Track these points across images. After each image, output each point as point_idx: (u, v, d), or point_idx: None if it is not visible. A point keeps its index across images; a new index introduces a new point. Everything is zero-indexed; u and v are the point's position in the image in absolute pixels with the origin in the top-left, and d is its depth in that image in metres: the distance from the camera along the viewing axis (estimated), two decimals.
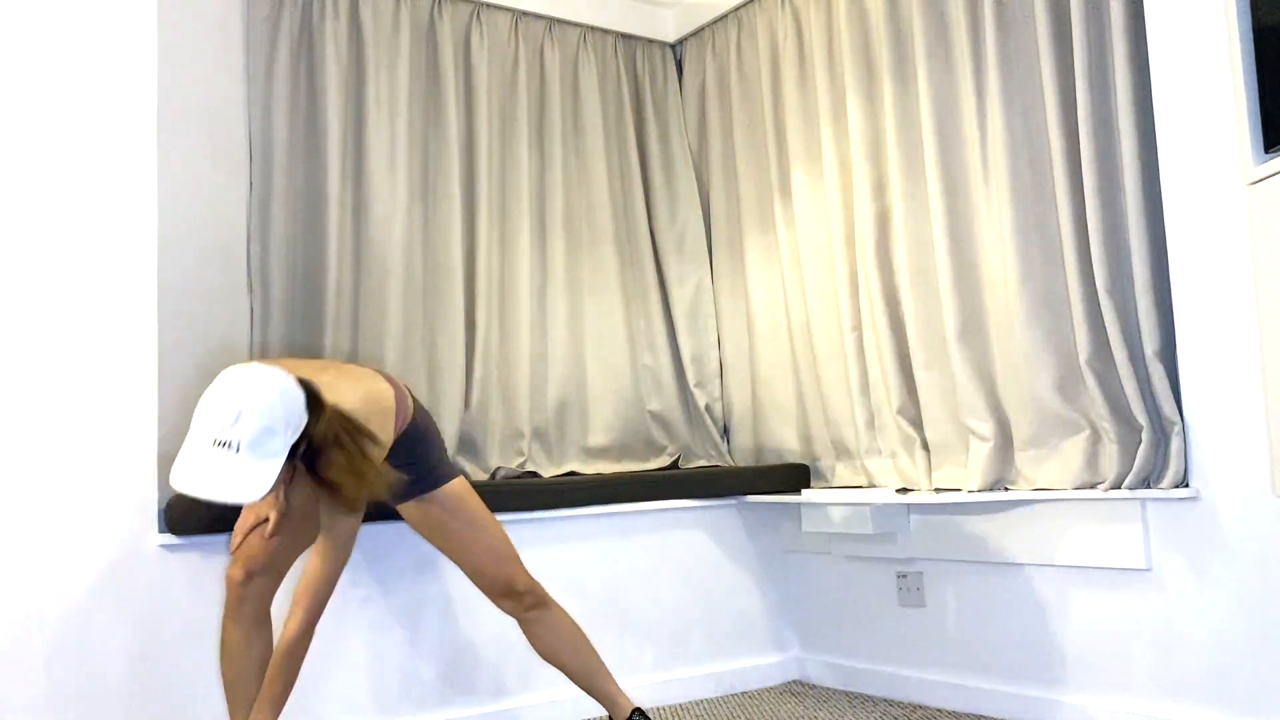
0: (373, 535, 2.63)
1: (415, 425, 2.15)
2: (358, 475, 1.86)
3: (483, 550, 2.24)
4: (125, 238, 2.42)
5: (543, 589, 2.30)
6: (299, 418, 1.78)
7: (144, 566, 2.35)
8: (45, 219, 2.35)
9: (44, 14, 2.38)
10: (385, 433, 2.01)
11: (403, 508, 2.23)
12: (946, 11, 2.82)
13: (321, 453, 1.83)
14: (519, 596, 2.26)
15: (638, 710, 2.32)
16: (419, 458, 2.16)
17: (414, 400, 2.20)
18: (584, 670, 2.32)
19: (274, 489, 1.82)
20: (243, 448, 1.70)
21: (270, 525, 2.16)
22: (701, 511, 3.17)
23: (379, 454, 1.96)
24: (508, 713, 2.75)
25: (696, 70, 3.74)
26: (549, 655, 2.32)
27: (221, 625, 2.21)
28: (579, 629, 2.34)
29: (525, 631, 2.32)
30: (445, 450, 2.28)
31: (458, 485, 2.25)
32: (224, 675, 2.19)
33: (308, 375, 1.89)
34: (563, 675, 2.44)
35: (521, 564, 2.28)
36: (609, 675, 2.34)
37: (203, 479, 1.69)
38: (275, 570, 2.21)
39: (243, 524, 2.20)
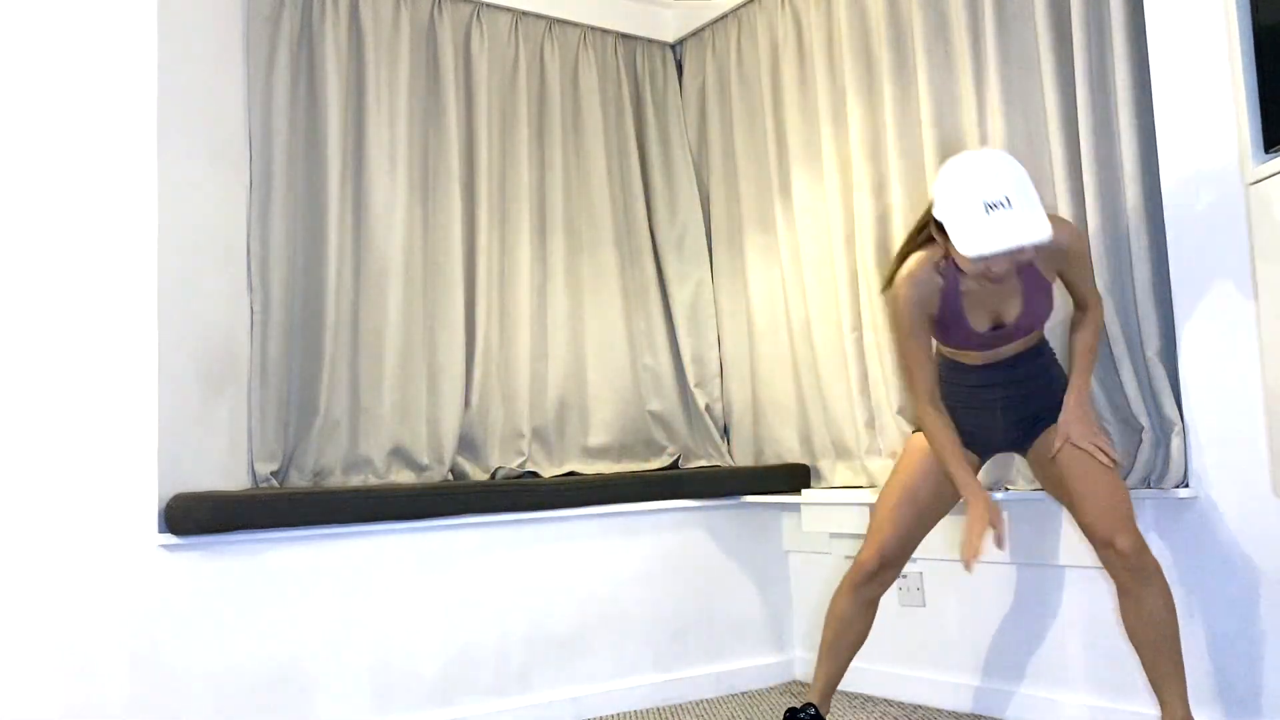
0: (373, 535, 2.63)
1: None
2: None
3: None
4: (125, 238, 2.42)
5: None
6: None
7: (144, 566, 2.35)
8: (45, 219, 2.35)
9: (44, 14, 2.38)
10: None
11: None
12: (946, 11, 2.82)
13: None
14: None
15: None
16: None
17: None
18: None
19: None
20: (1013, 200, 1.89)
21: (996, 536, 2.12)
22: (701, 511, 3.17)
23: None
24: (508, 713, 2.75)
25: (696, 70, 3.74)
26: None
27: (838, 591, 2.35)
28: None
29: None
30: None
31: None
32: (825, 636, 2.35)
33: None
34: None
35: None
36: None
37: (1000, 234, 1.88)
38: (902, 563, 2.31)
39: (972, 533, 2.10)
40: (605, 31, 3.65)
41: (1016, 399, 2.26)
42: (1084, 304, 2.23)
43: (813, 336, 3.22)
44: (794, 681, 3.22)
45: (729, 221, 3.60)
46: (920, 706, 2.85)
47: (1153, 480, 2.34)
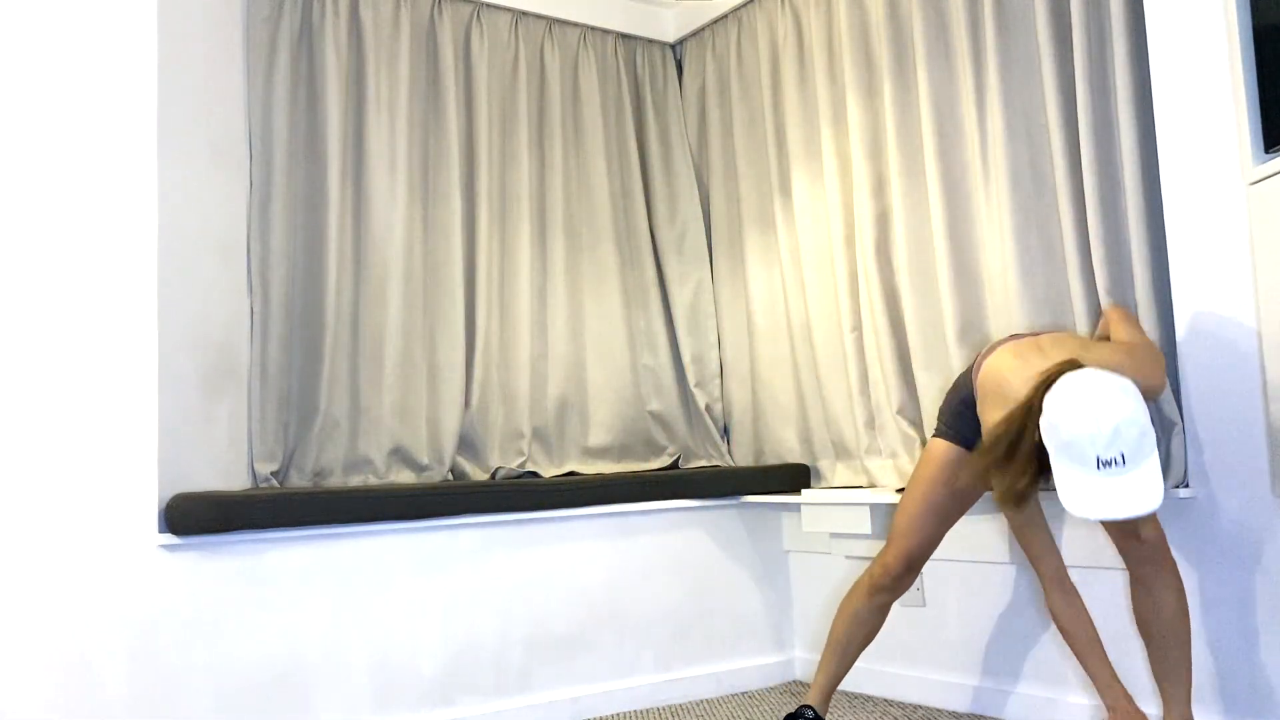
0: (373, 535, 2.63)
1: None
2: None
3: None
4: (125, 238, 2.42)
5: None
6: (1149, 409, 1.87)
7: (144, 566, 2.35)
8: (45, 219, 2.34)
9: (44, 14, 2.38)
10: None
11: None
12: (946, 11, 2.82)
13: None
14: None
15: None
16: None
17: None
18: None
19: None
20: (1128, 459, 1.74)
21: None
22: (701, 511, 3.17)
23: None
24: (508, 713, 2.75)
25: (696, 70, 3.74)
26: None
27: (854, 588, 2.37)
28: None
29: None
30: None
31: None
32: (835, 635, 2.37)
33: (1073, 353, 1.94)
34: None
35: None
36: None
37: (1109, 502, 1.74)
38: (922, 566, 2.32)
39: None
40: (605, 31, 3.66)
41: None
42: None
43: (813, 336, 3.22)
44: (794, 681, 3.22)
45: (729, 221, 3.60)
46: (920, 706, 2.85)
47: None
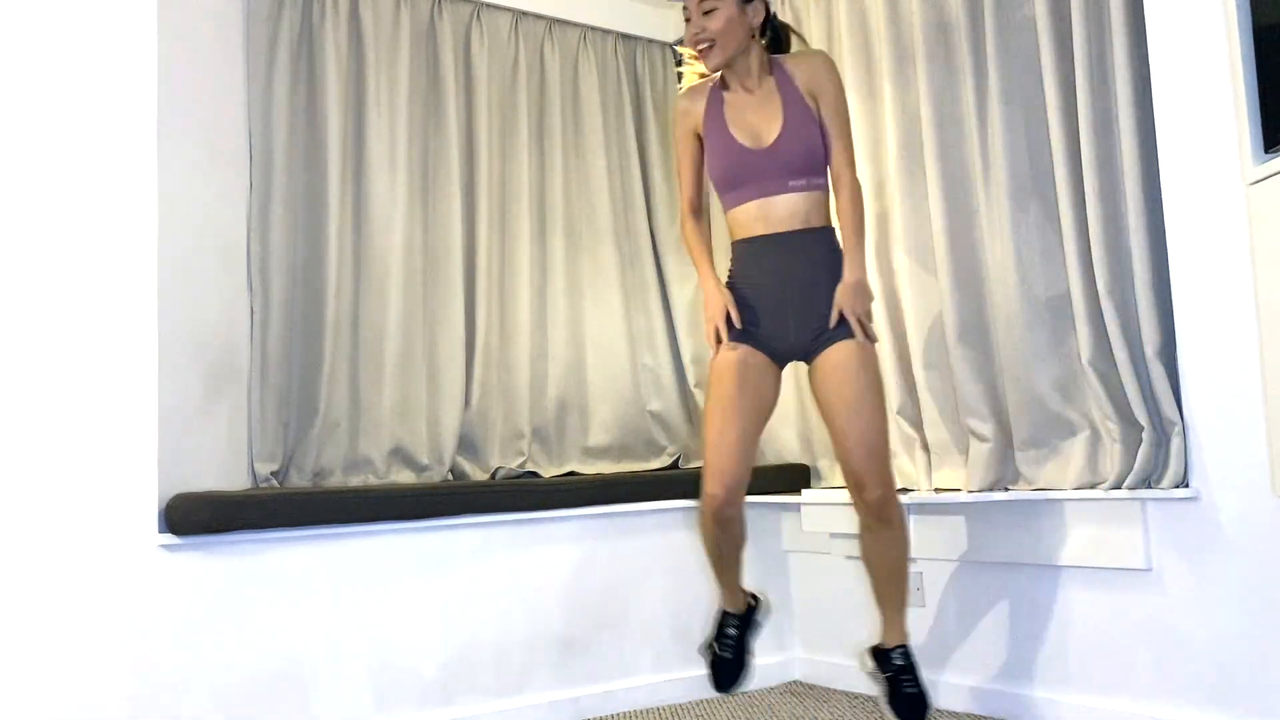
0: (373, 535, 2.63)
1: None
2: None
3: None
4: (125, 238, 2.42)
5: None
6: None
7: (144, 566, 2.35)
8: (45, 219, 2.35)
9: (44, 14, 2.38)
10: None
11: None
12: (946, 11, 2.82)
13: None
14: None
15: (901, 647, 2.36)
16: None
17: None
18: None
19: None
20: None
21: (734, 314, 2.29)
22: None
23: None
24: (508, 713, 2.74)
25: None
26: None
27: (701, 523, 2.36)
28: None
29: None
30: None
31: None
32: (710, 558, 2.39)
33: None
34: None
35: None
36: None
37: None
38: (747, 478, 2.29)
39: (711, 323, 2.31)
40: (605, 31, 3.65)
41: (804, 300, 2.30)
42: (836, 179, 2.35)
43: None
44: (794, 682, 3.22)
45: None
46: None
47: (1153, 480, 2.34)
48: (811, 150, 2.29)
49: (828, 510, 3.02)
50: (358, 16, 3.12)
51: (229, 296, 2.78)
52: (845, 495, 2.94)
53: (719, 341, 2.30)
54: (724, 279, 2.41)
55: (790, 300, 2.31)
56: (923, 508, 2.87)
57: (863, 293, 2.29)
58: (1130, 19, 2.38)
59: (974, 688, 2.74)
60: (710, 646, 2.48)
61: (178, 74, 2.58)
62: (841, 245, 2.36)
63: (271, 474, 2.82)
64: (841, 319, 2.28)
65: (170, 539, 2.37)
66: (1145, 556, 2.35)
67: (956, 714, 2.74)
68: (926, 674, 2.87)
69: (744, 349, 2.30)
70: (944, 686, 2.81)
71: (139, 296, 2.42)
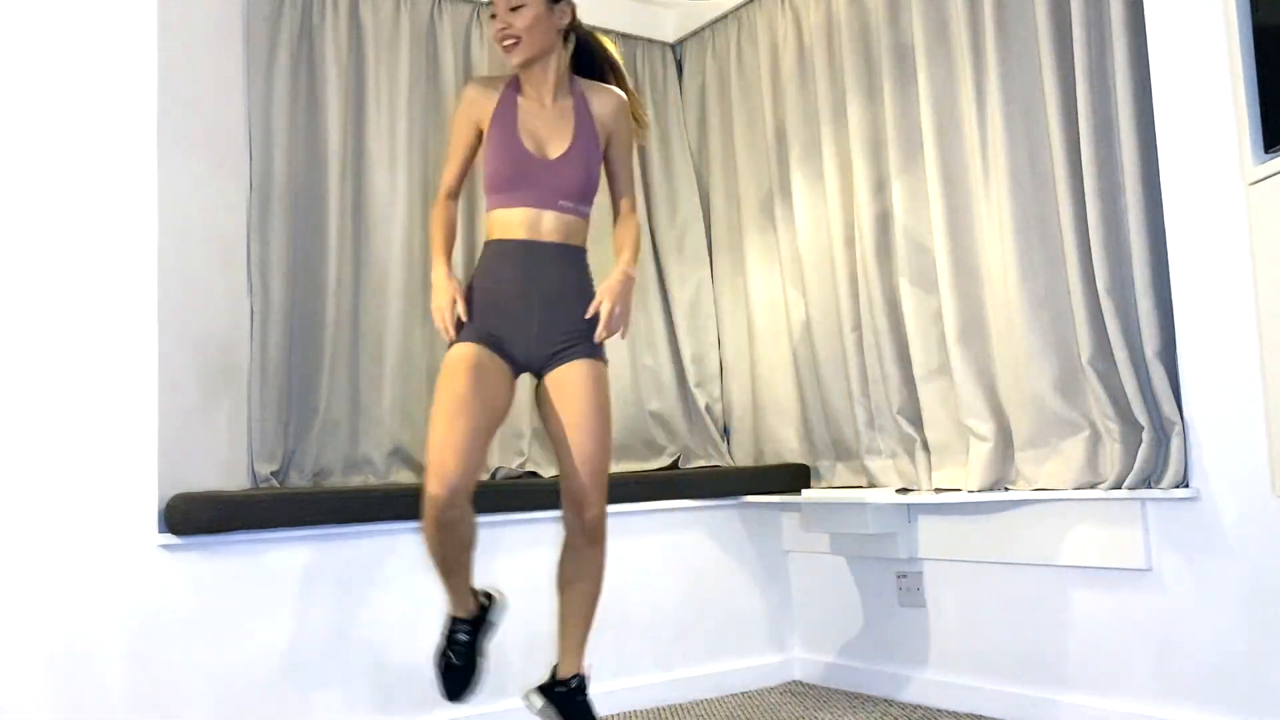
0: (373, 535, 2.63)
1: None
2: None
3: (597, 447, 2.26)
4: (125, 238, 2.42)
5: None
6: None
7: (144, 566, 2.35)
8: (45, 220, 2.34)
9: (44, 15, 2.38)
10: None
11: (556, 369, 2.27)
12: (946, 11, 2.82)
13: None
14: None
15: (578, 677, 2.36)
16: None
17: None
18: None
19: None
20: None
21: (461, 306, 2.23)
22: (701, 511, 3.17)
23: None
24: (508, 713, 2.74)
25: (696, 70, 3.74)
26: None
27: (423, 527, 2.21)
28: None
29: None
30: None
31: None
32: (436, 562, 2.28)
33: None
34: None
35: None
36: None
37: None
38: (473, 482, 2.20)
39: (439, 314, 2.23)
40: (605, 31, 3.64)
41: (549, 311, 2.26)
42: (624, 215, 2.46)
43: (813, 336, 3.22)
44: (794, 682, 3.22)
45: (729, 221, 3.60)
46: (920, 706, 2.84)
47: (1153, 480, 2.34)
48: (589, 177, 2.33)
49: (828, 510, 3.02)
50: (358, 17, 3.12)
51: (229, 296, 2.77)
52: (845, 495, 2.96)
53: (457, 330, 2.22)
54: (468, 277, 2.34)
55: (534, 309, 2.25)
56: (923, 508, 2.87)
57: (627, 292, 2.32)
58: (1130, 19, 2.38)
59: (974, 688, 2.74)
60: (443, 654, 2.34)
61: (178, 74, 2.58)
62: (615, 255, 2.41)
63: (271, 474, 2.81)
64: (578, 341, 2.26)
65: (170, 539, 2.37)
66: (1145, 556, 2.35)
67: (956, 714, 2.74)
68: (927, 674, 2.88)
69: (483, 350, 2.21)
70: (944, 686, 2.81)
71: (139, 296, 2.42)
